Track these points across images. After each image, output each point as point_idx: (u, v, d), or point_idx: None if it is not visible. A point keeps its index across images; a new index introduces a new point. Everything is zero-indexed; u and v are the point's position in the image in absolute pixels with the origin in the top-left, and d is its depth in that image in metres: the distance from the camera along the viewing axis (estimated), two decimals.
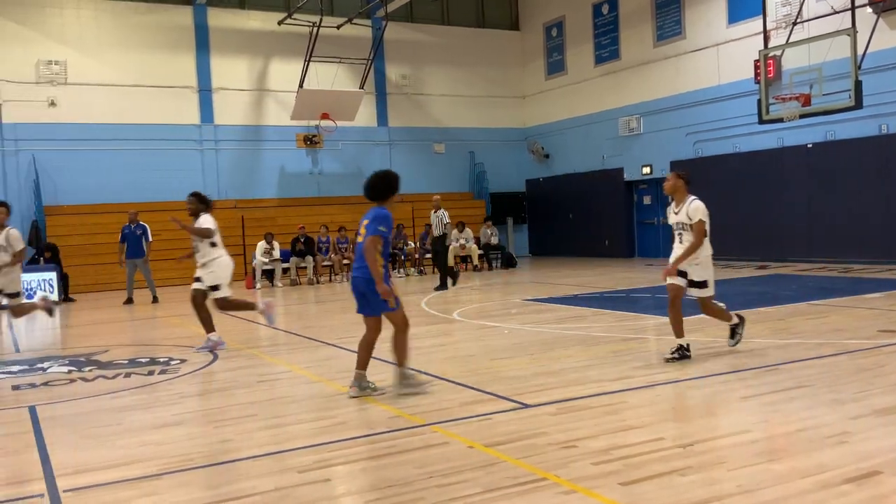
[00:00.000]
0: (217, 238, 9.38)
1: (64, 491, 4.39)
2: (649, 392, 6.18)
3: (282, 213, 21.98)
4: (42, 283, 16.75)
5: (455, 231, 20.80)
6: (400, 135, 24.81)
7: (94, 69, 20.61)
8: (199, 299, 9.39)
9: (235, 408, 6.34)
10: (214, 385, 7.41)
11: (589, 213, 24.09)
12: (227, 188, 22.12)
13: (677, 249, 7.28)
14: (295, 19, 21.71)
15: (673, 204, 7.40)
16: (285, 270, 19.43)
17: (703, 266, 7.23)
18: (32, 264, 17.60)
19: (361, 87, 22.90)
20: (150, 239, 16.35)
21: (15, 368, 8.65)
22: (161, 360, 8.78)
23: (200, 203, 9.56)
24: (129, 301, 15.95)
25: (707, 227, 7.14)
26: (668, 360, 7.14)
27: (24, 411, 6.47)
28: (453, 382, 6.78)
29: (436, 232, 16.30)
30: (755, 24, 17.80)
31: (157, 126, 21.14)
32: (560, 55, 25.30)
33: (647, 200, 22.89)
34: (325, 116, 22.29)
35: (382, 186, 6.32)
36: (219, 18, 22.18)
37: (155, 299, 16.01)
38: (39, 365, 8.86)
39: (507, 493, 4.04)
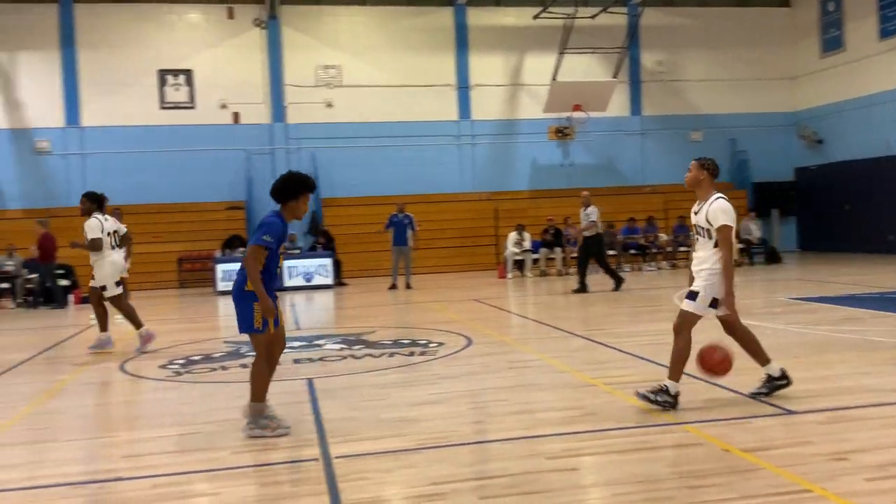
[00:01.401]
0: (105, 241, 9.49)
1: (335, 457, 4.83)
2: None
3: (533, 205, 22.30)
4: (319, 268, 18.49)
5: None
6: (654, 124, 24.06)
7: (365, 71, 22.29)
8: (94, 298, 9.66)
9: (488, 391, 6.57)
10: (468, 368, 7.73)
11: (870, 205, 21.68)
12: (481, 181, 22.88)
13: (694, 260, 5.77)
14: (550, 13, 21.86)
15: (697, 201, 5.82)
16: (535, 261, 19.72)
17: (705, 280, 5.57)
18: (311, 251, 19.52)
19: (615, 76, 22.52)
20: (416, 229, 17.36)
21: (296, 344, 9.64)
22: (421, 342, 9.32)
23: (91, 203, 9.73)
24: (394, 287, 17.07)
25: (734, 231, 5.59)
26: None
27: (303, 383, 7.20)
28: (707, 382, 6.48)
29: (585, 232, 14.95)
30: None
31: (419, 123, 22.38)
32: (837, 30, 22.99)
33: None
34: (577, 108, 22.21)
35: (278, 188, 5.47)
36: (477, 17, 22.94)
37: (408, 286, 16.99)
38: (316, 342, 9.80)
39: (766, 501, 3.80)
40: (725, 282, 5.49)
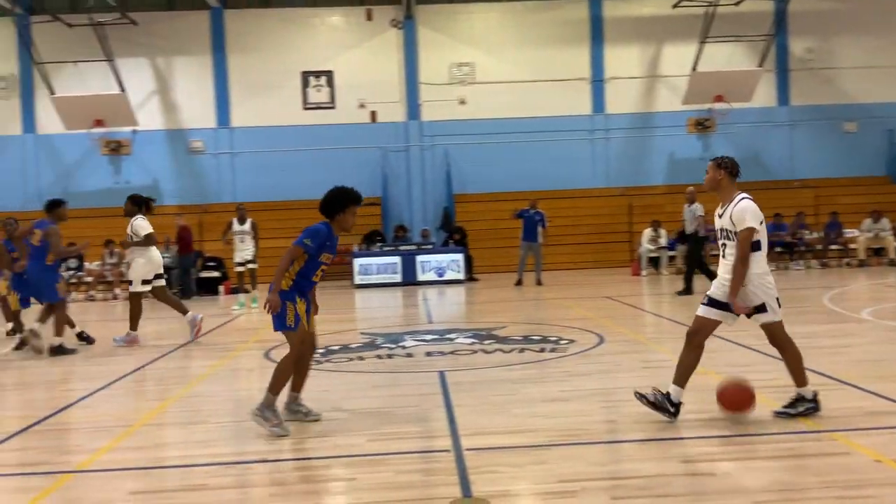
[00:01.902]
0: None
1: (466, 449, 4.90)
2: None
3: (669, 201, 21.60)
4: (451, 263, 18.73)
5: (868, 221, 18.51)
6: (803, 114, 22.72)
7: (498, 68, 22.34)
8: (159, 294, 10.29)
9: (620, 391, 6.46)
10: (600, 367, 7.62)
11: None
12: (615, 176, 22.42)
13: (722, 266, 5.37)
14: (690, 1, 21.12)
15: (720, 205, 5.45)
16: (671, 258, 19.14)
17: (755, 287, 5.18)
18: (444, 246, 19.81)
19: (760, 65, 21.47)
20: (546, 225, 17.26)
21: (428, 337, 9.82)
22: (551, 339, 9.27)
23: (134, 205, 10.15)
24: (520, 283, 17.06)
25: (762, 235, 5.20)
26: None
27: (435, 375, 7.33)
28: (858, 388, 6.09)
29: (688, 229, 14.31)
30: None
31: (552, 118, 22.20)
32: None
33: None
34: (718, 99, 21.34)
35: (325, 203, 5.55)
36: (613, 8, 22.49)
37: (539, 282, 16.90)
38: (448, 335, 9.95)
39: None
40: (732, 283, 5.17)
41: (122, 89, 20.57)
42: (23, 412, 6.85)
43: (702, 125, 22.44)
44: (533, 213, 17.13)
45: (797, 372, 5.27)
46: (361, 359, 8.42)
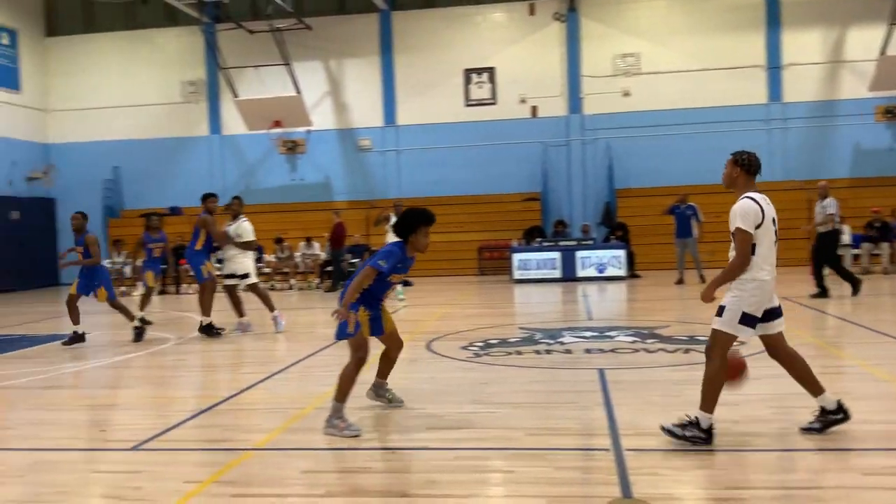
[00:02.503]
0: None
1: (626, 449, 4.80)
2: None
3: (853, 195, 20.03)
4: (612, 259, 18.36)
5: None
6: None
7: (665, 57, 21.61)
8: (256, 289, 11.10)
9: (793, 396, 6.06)
10: (772, 371, 7.10)
11: None
12: (793, 168, 21.07)
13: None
14: None
15: None
16: (856, 257, 17.78)
17: (732, 289, 4.85)
18: (605, 242, 19.45)
19: None
20: (702, 220, 16.52)
21: (587, 334, 9.69)
22: None
23: (241, 206, 11.13)
24: (681, 281, 16.44)
25: (758, 239, 4.92)
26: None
27: (594, 373, 7.23)
28: None
29: (820, 227, 12.80)
30: None
31: (723, 108, 21.21)
32: None
33: None
34: None
35: (398, 224, 5.67)
36: None
37: (702, 279, 16.19)
38: (608, 333, 9.77)
39: None
40: (717, 280, 4.92)
41: (298, 91, 21.77)
42: (206, 392, 7.44)
43: (891, 113, 20.64)
44: (684, 207, 16.47)
45: (707, 393, 4.87)
46: (519, 353, 8.45)
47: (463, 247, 21.09)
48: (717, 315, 4.92)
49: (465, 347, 8.90)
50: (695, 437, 4.80)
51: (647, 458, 4.67)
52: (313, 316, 13.39)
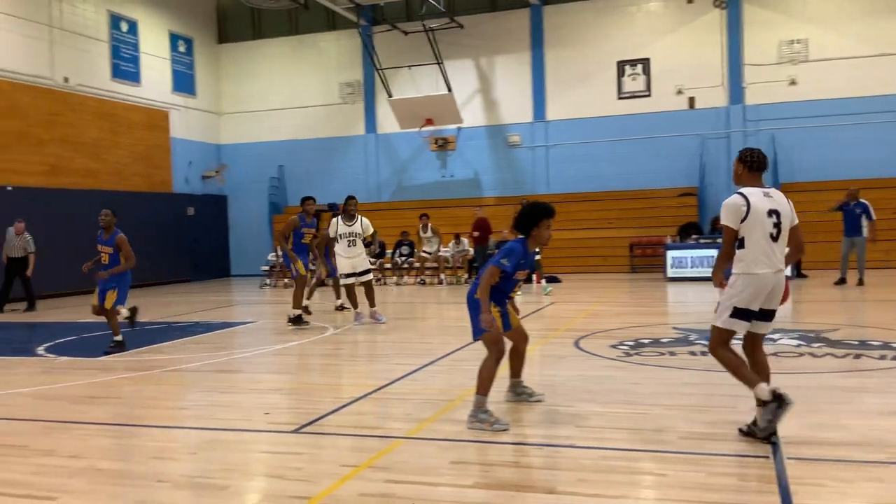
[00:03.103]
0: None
1: (788, 458, 4.54)
2: None
3: None
4: None
5: None
6: None
7: (836, 43, 20.19)
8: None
9: None
10: None
11: None
12: None
13: None
14: None
15: None
16: None
17: (730, 286, 4.98)
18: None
19: None
20: (874, 218, 15.26)
21: None
22: (894, 345, 8.22)
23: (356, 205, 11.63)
24: (842, 281, 15.33)
25: (745, 232, 5.01)
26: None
27: None
28: None
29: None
30: None
31: None
32: None
33: None
34: None
35: (518, 220, 5.60)
36: None
37: (861, 282, 15.00)
38: (770, 336, 9.23)
39: None
40: (714, 269, 5.21)
41: (449, 89, 22.12)
42: (360, 381, 7.73)
43: None
44: (854, 205, 15.27)
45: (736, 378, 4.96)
46: (673, 354, 8.18)
47: (614, 243, 20.69)
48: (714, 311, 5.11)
49: (614, 346, 8.74)
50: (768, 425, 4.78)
51: (811, 467, 4.40)
52: (462, 310, 13.54)
